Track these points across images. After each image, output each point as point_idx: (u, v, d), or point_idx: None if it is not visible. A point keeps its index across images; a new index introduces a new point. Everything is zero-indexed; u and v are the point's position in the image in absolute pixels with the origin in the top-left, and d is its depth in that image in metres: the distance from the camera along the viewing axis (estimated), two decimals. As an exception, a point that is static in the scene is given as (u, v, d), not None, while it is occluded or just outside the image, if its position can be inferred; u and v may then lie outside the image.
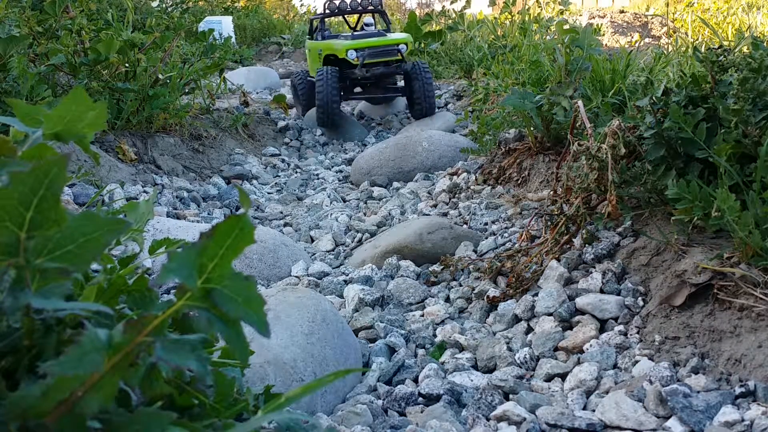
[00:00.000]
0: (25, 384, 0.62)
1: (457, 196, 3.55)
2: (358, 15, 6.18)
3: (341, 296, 2.50)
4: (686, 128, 1.95)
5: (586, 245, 2.24)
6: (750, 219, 1.68)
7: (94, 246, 0.61)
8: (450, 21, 7.31)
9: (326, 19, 5.94)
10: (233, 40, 9.18)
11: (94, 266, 0.73)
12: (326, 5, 5.64)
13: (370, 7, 5.74)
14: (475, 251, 2.70)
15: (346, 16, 6.05)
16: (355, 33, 5.59)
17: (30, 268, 0.60)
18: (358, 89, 5.65)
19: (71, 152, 3.28)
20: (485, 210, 3.20)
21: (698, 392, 1.53)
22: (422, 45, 7.94)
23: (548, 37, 4.87)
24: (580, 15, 9.25)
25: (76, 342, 0.56)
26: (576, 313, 2.00)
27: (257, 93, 7.29)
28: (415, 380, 1.89)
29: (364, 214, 3.58)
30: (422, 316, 2.28)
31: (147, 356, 0.62)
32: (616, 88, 2.97)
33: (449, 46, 7.42)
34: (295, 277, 2.71)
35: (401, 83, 5.69)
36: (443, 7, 7.71)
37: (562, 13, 5.98)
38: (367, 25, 5.86)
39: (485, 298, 2.26)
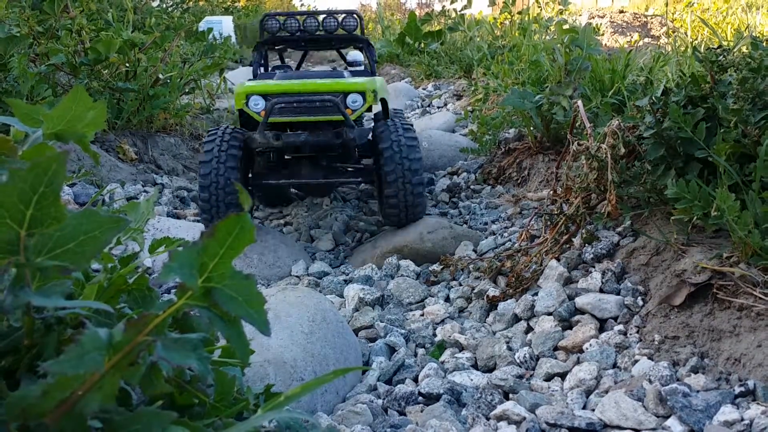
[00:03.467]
0: (26, 383, 0.62)
1: (457, 195, 3.56)
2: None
3: (341, 296, 2.50)
4: (686, 128, 1.95)
5: (586, 245, 2.24)
6: (749, 218, 1.68)
7: (94, 244, 0.61)
8: (450, 21, 7.32)
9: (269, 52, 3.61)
10: (233, 39, 9.18)
11: (95, 265, 0.73)
12: (264, 24, 3.31)
13: (340, 32, 3.33)
14: (474, 251, 2.70)
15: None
16: (297, 71, 3.43)
17: (30, 266, 0.60)
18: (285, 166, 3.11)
19: (71, 151, 3.28)
20: (485, 209, 3.20)
21: (698, 392, 1.53)
22: (422, 45, 7.95)
23: (548, 37, 4.87)
24: (580, 15, 9.25)
25: (77, 341, 0.56)
26: (575, 313, 2.00)
27: (257, 93, 7.27)
28: (415, 380, 1.90)
29: (364, 214, 3.58)
30: (422, 315, 2.28)
31: (147, 355, 0.62)
32: (616, 87, 2.97)
33: (449, 46, 7.43)
34: (295, 276, 2.71)
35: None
36: (443, 7, 7.71)
37: (561, 13, 5.99)
38: (351, 63, 3.47)
39: (485, 297, 2.27)
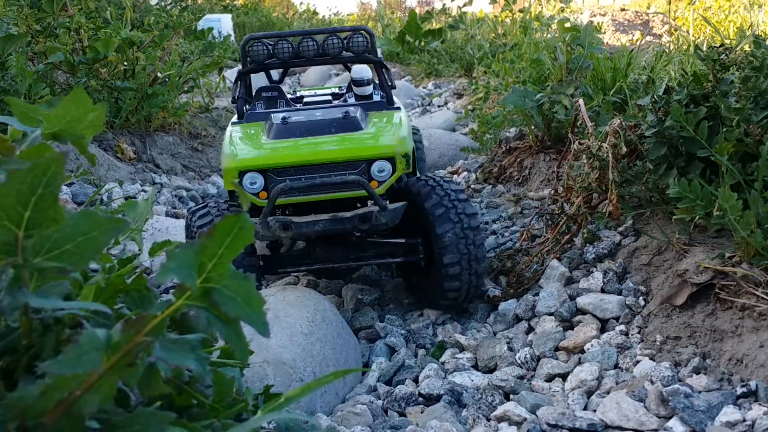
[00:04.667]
0: (24, 384, 0.62)
1: (457, 195, 3.55)
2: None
3: (341, 296, 2.50)
4: (688, 127, 1.95)
5: (587, 244, 2.24)
6: (752, 218, 1.67)
7: (92, 245, 0.61)
8: (451, 19, 7.31)
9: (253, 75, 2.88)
10: (232, 38, 9.17)
11: (93, 266, 0.73)
12: (246, 46, 2.62)
13: (347, 54, 2.67)
14: (475, 250, 2.69)
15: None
16: (297, 107, 2.65)
17: (28, 267, 0.60)
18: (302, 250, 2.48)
19: (69, 150, 3.27)
20: (486, 209, 3.19)
21: (700, 392, 1.52)
22: (422, 43, 7.94)
23: (549, 36, 4.87)
24: (581, 13, 9.24)
25: (75, 342, 0.56)
26: (577, 313, 2.00)
27: (257, 91, 7.27)
28: (415, 380, 1.89)
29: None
30: (422, 315, 2.28)
31: (146, 356, 0.61)
32: (618, 86, 2.96)
33: (449, 45, 7.42)
34: (295, 276, 2.70)
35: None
36: (444, 5, 7.70)
37: (563, 11, 5.98)
38: (357, 83, 2.64)
39: (486, 297, 2.26)
